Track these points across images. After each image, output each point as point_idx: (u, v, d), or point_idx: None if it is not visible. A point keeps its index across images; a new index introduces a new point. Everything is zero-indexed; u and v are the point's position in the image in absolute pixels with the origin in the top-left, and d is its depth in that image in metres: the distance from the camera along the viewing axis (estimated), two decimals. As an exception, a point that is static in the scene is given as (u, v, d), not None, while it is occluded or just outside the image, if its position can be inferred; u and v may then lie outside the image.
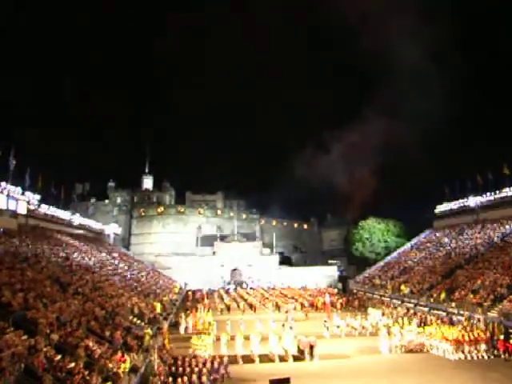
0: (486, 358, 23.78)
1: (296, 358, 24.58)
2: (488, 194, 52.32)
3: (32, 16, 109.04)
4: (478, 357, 23.79)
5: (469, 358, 23.69)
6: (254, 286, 66.77)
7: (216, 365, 21.16)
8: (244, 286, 66.73)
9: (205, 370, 19.90)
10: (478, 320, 28.25)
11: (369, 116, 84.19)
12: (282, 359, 24.40)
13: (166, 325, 29.32)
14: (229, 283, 69.25)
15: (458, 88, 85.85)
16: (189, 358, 21.52)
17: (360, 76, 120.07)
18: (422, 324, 30.47)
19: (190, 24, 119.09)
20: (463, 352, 23.91)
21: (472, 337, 24.48)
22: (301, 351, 24.94)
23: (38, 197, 48.60)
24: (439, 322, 30.64)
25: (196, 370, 19.81)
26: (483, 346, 24.14)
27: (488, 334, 25.29)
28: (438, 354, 24.67)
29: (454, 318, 30.65)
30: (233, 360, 23.73)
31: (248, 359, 24.40)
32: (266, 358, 24.58)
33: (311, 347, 24.75)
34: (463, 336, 24.55)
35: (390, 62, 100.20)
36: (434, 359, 24.07)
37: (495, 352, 24.15)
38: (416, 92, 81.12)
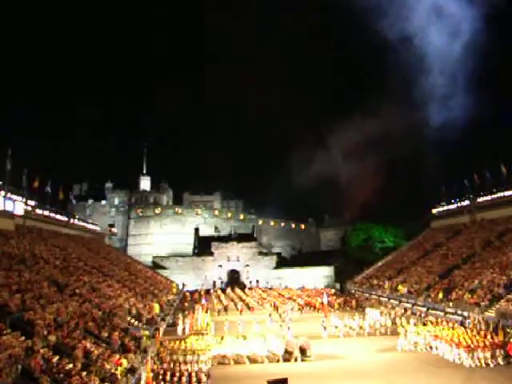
0: (501, 364, 22.27)
1: (284, 359, 24.36)
2: (485, 194, 52.45)
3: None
4: (494, 363, 22.22)
5: (484, 364, 22.11)
6: (251, 286, 66.82)
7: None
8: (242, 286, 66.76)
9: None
10: (479, 321, 28.09)
11: (367, 115, 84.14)
12: (270, 360, 24.17)
13: (159, 332, 28.47)
14: (226, 284, 69.26)
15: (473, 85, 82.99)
16: (183, 367, 21.18)
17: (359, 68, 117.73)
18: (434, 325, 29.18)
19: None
20: (478, 358, 22.30)
21: (487, 342, 23.15)
22: (289, 353, 24.58)
23: (35, 198, 48.51)
24: (455, 325, 28.95)
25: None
26: (497, 352, 22.57)
27: (490, 337, 24.34)
28: (449, 358, 23.42)
29: (468, 320, 29.40)
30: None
31: (238, 360, 24.38)
32: (254, 359, 24.40)
33: (302, 349, 24.53)
34: (477, 341, 23.26)
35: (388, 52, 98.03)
36: (437, 360, 23.69)
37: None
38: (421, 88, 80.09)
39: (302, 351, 24.51)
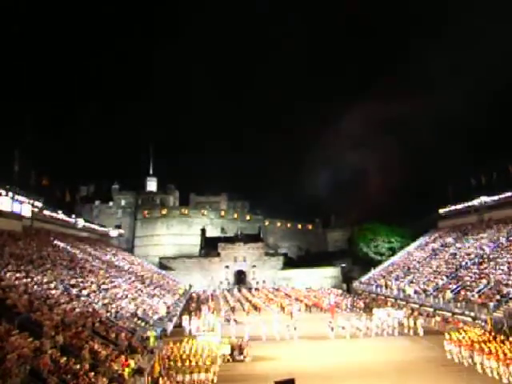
0: None
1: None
2: (493, 193, 52.05)
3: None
4: None
5: None
6: (258, 287, 66.82)
7: None
8: (248, 286, 66.79)
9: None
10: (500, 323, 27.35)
11: (370, 110, 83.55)
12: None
13: (158, 353, 23.10)
14: (233, 285, 69.30)
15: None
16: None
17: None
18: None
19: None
20: None
21: None
22: (232, 352, 24.87)
23: (42, 199, 48.76)
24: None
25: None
26: None
27: None
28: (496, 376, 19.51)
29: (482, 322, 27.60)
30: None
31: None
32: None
33: (240, 349, 24.82)
34: None
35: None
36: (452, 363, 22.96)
37: None
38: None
39: (240, 351, 24.79)
